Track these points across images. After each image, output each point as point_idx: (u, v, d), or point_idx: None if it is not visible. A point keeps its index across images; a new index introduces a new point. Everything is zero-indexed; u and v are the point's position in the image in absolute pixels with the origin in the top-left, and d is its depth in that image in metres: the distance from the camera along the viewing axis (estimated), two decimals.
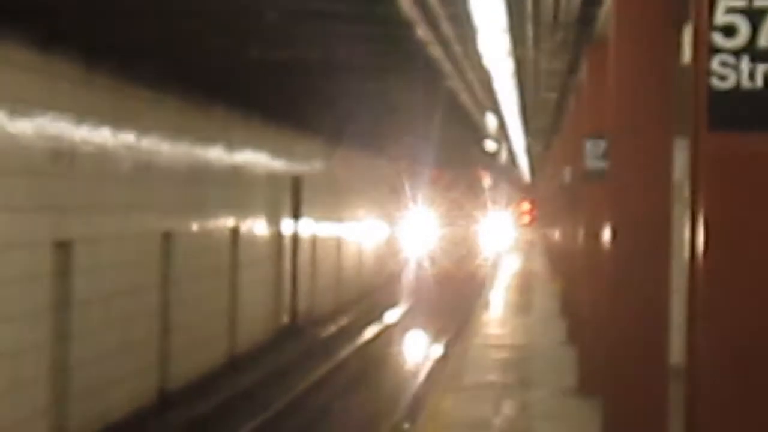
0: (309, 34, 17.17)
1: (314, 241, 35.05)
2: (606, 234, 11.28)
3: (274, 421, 19.83)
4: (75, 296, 16.39)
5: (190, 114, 21.93)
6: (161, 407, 19.85)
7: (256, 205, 27.27)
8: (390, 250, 53.37)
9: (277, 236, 29.90)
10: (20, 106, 14.85)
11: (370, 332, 33.23)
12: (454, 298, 42.72)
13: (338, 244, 40.25)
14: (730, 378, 4.88)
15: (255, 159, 27.10)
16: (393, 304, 40.57)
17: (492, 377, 17.29)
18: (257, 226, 27.47)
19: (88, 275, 16.95)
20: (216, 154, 23.70)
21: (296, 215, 31.94)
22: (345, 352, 28.73)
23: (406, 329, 35.64)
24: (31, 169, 15.17)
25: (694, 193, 5.02)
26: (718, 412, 4.91)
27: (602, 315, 11.24)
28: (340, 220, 40.20)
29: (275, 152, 29.26)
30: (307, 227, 33.68)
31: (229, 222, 24.77)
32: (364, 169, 45.22)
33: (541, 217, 64.33)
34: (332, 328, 33.25)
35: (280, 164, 30.09)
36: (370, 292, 44.74)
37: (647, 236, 10.26)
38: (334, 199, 38.56)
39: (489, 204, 64.67)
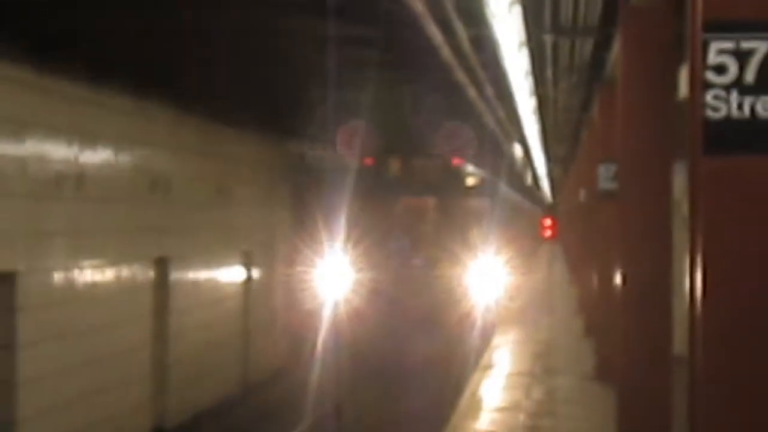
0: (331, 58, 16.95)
1: None
2: (615, 243, 11.25)
3: None
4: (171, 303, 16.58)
5: (265, 150, 22.08)
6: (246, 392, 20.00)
7: None
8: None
9: None
10: (123, 144, 15.01)
11: None
12: None
13: None
14: (726, 366, 4.82)
15: None
16: None
17: None
18: None
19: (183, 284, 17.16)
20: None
21: None
22: None
23: None
24: (133, 197, 15.33)
25: (692, 208, 4.97)
26: (716, 396, 4.85)
27: (615, 314, 11.19)
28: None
29: None
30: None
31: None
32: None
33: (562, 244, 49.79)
34: None
35: None
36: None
37: (652, 244, 10.22)
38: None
39: (472, 223, 25.01)
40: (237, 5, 13.02)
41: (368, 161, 23.71)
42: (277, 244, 23.21)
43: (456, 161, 24.52)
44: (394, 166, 24.50)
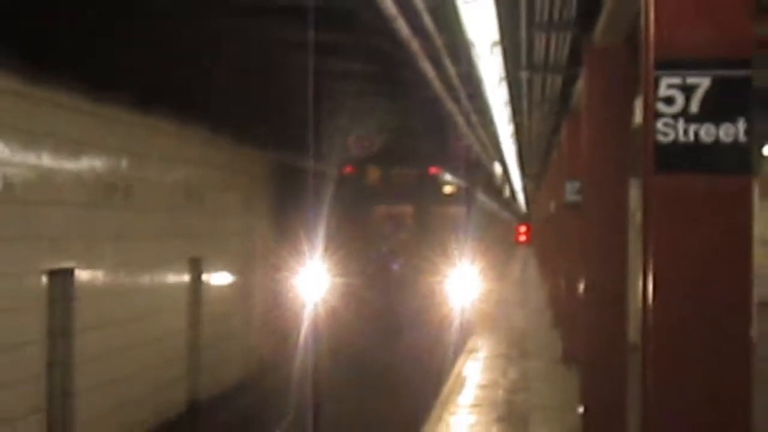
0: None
1: None
2: (580, 247, 11.21)
3: None
4: (202, 296, 16.55)
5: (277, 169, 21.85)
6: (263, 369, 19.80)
7: None
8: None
9: None
10: (164, 161, 15.03)
11: None
12: None
13: None
14: (672, 353, 4.83)
15: None
16: None
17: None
18: None
19: (211, 281, 17.11)
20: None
21: None
22: None
23: None
24: (171, 206, 15.31)
25: (645, 218, 4.97)
26: (664, 376, 4.85)
27: (579, 308, 11.16)
28: None
29: None
30: None
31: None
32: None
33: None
34: None
35: None
36: None
37: (610, 248, 10.20)
38: None
39: (450, 229, 20.29)
40: (256, 49, 13.04)
41: (348, 169, 20.39)
42: (263, 249, 21.24)
43: (433, 170, 20.82)
44: (374, 174, 20.83)
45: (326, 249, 17.37)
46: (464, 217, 19.91)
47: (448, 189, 20.72)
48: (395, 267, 20.14)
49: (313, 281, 16.84)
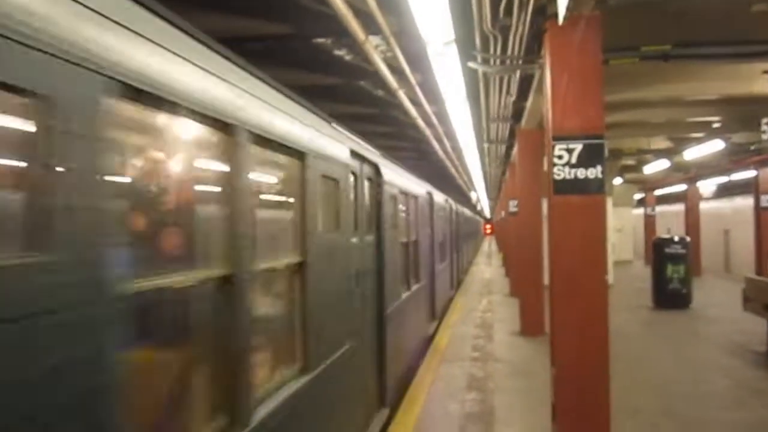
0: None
1: None
2: (516, 235, 11.12)
3: None
4: None
5: None
6: None
7: None
8: None
9: None
10: None
11: None
12: None
13: None
14: (564, 289, 4.81)
15: None
16: None
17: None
18: None
19: None
20: None
21: None
22: None
23: None
24: None
25: (549, 217, 4.96)
26: (560, 301, 4.83)
27: (518, 266, 11.08)
28: None
29: None
30: None
31: None
32: None
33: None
34: None
35: None
36: None
37: (532, 234, 10.13)
38: None
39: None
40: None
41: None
42: None
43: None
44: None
45: None
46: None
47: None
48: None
49: None
